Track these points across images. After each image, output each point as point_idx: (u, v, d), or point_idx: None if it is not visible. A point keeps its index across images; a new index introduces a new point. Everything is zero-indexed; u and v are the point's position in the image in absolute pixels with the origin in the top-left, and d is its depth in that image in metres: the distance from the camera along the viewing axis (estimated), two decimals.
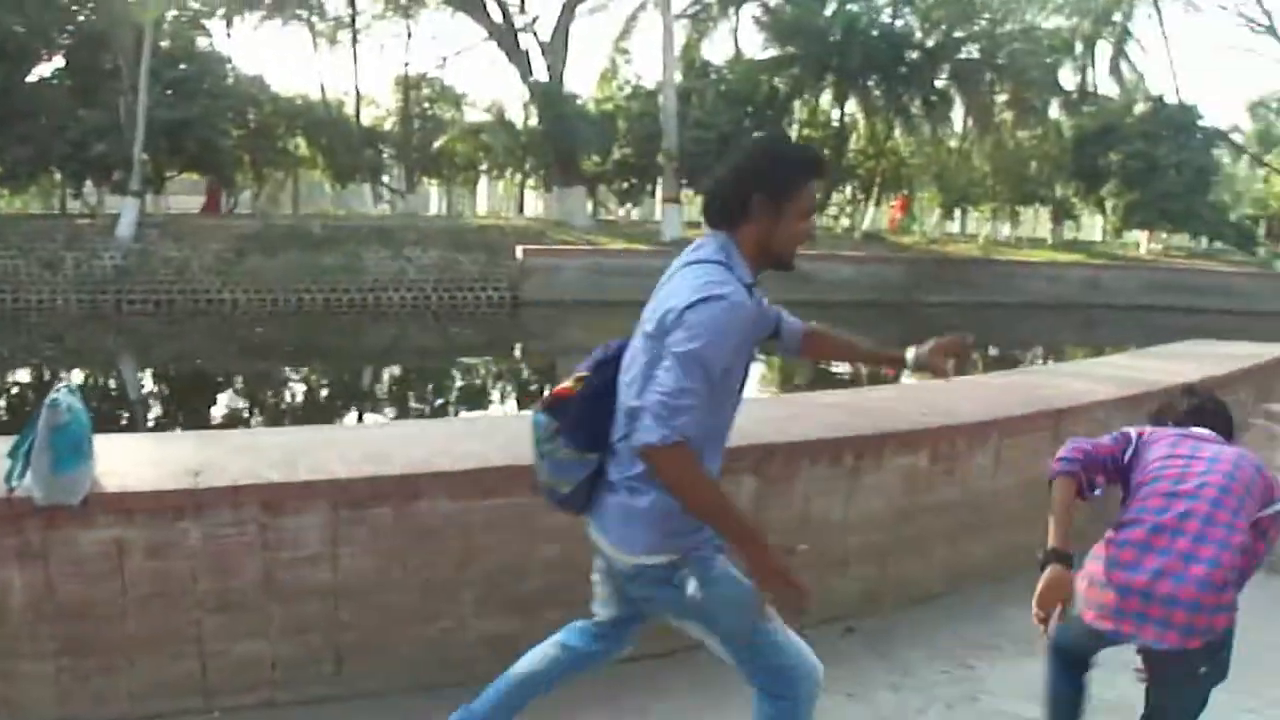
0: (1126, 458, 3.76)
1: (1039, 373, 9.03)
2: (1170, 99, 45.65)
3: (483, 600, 4.59)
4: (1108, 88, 53.02)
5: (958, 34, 44.02)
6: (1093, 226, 54.15)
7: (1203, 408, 4.04)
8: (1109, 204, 44.71)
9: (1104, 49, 53.01)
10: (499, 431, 5.24)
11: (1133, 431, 3.84)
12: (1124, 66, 54.08)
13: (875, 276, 33.87)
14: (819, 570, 5.37)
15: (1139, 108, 45.70)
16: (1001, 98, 47.08)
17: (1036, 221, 54.62)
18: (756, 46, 44.95)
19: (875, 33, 41.64)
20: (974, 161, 47.05)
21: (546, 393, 3.46)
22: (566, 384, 3.40)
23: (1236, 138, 60.41)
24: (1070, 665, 3.92)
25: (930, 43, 43.67)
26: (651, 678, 4.80)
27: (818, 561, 5.36)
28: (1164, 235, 48.25)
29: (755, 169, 3.25)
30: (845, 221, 47.02)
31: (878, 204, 46.99)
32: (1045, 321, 33.69)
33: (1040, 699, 4.61)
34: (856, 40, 40.26)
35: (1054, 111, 50.38)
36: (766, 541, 3.15)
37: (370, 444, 4.84)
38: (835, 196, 47.63)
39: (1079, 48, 51.95)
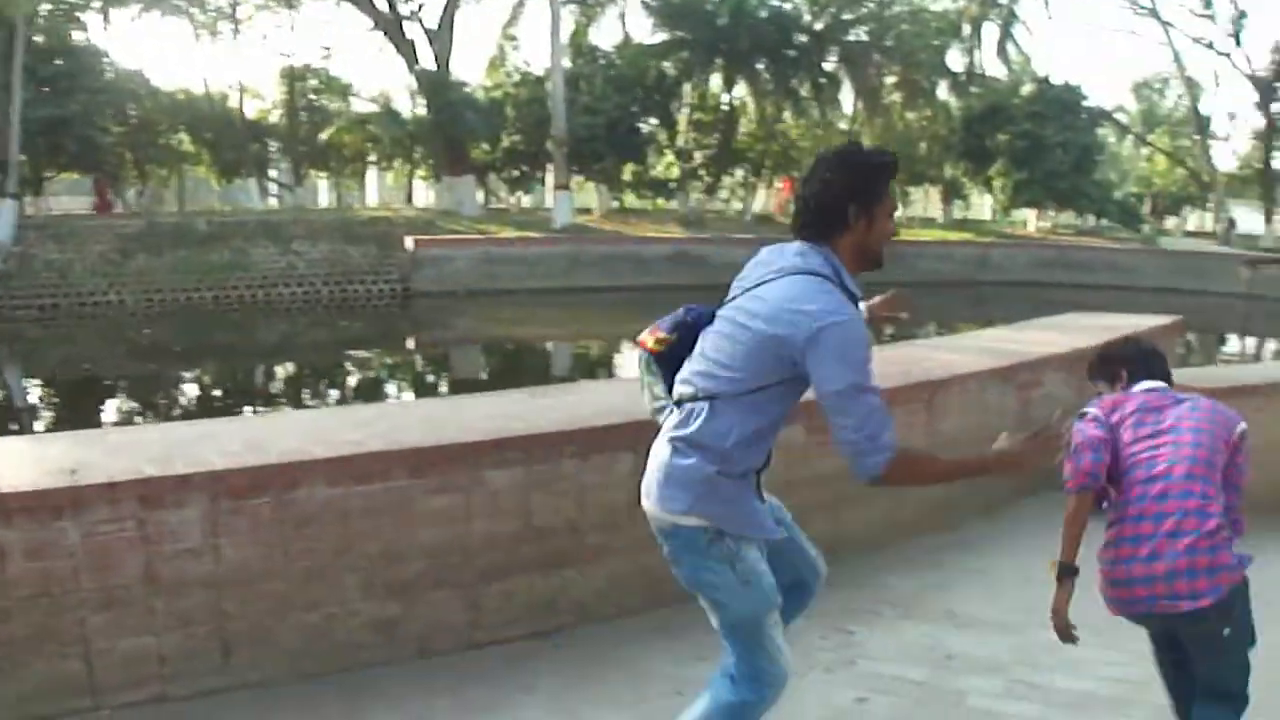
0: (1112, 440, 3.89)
1: (918, 346, 9.26)
2: (1056, 80, 46.69)
3: (365, 585, 4.64)
4: (995, 69, 54.18)
5: (846, 16, 44.64)
6: (982, 205, 55.14)
7: (1146, 353, 4.14)
8: (997, 183, 45.49)
9: (991, 31, 54.16)
10: (380, 419, 5.29)
11: (1099, 412, 3.92)
12: (1010, 48, 55.22)
13: None
14: None
15: (1025, 88, 46.61)
16: (890, 79, 47.84)
17: (927, 201, 55.47)
18: (645, 31, 45.19)
19: (763, 15, 42.07)
20: (864, 143, 47.48)
21: (639, 338, 3.67)
22: (647, 341, 3.63)
23: (1121, 118, 61.96)
24: (1157, 642, 4.09)
25: (818, 25, 44.21)
26: (536, 655, 4.89)
27: None
28: (1051, 213, 49.30)
29: (844, 182, 3.32)
30: (737, 205, 47.32)
31: (768, 186, 47.36)
32: (937, 299, 34.13)
33: (918, 660, 4.83)
34: (744, 23, 40.59)
35: (942, 93, 51.32)
36: (999, 456, 3.36)
37: (248, 435, 4.86)
38: (726, 180, 47.95)
39: (966, 30, 52.89)
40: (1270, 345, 27.68)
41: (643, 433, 5.21)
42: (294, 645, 4.56)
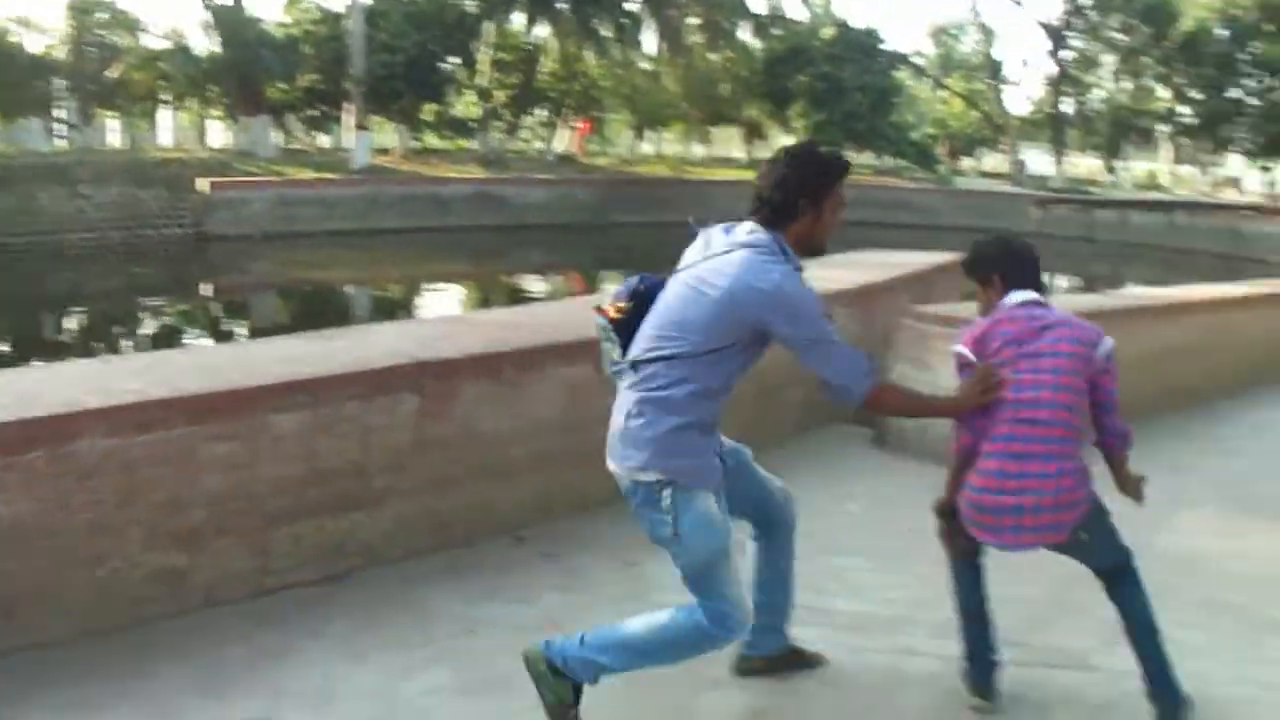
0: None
1: None
2: (856, 24, 47.76)
3: (149, 536, 4.56)
4: (797, 12, 55.15)
5: None
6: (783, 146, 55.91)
7: (1018, 257, 4.30)
8: (797, 124, 46.18)
9: None
10: (162, 366, 5.19)
11: (967, 351, 4.12)
12: None
13: (568, 199, 34.22)
14: (488, 482, 5.56)
15: (826, 31, 47.46)
16: (692, 20, 48.05)
17: (729, 142, 56.07)
18: None
19: None
20: (665, 83, 47.76)
21: (599, 306, 3.94)
22: (608, 308, 3.87)
23: (919, 61, 63.62)
24: (966, 556, 4.31)
25: None
26: (327, 599, 4.90)
27: (484, 474, 5.55)
28: (851, 154, 50.19)
29: (799, 179, 3.74)
30: (539, 144, 47.10)
31: (568, 126, 47.28)
32: None
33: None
34: None
35: (744, 34, 51.78)
36: (956, 402, 4.11)
37: (21, 388, 4.71)
38: (528, 120, 47.69)
39: None
40: (1060, 281, 28.83)
41: (427, 373, 5.24)
42: (79, 601, 4.46)
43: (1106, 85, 55.25)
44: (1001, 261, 4.26)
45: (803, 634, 4.68)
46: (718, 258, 3.68)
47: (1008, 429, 3.93)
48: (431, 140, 45.84)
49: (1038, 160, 53.39)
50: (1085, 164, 58.63)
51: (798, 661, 4.48)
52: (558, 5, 42.58)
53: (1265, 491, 7.37)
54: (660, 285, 3.84)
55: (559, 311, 7.12)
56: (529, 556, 5.45)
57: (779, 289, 3.57)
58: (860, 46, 45.79)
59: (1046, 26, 50.82)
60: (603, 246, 32.08)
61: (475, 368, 5.42)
